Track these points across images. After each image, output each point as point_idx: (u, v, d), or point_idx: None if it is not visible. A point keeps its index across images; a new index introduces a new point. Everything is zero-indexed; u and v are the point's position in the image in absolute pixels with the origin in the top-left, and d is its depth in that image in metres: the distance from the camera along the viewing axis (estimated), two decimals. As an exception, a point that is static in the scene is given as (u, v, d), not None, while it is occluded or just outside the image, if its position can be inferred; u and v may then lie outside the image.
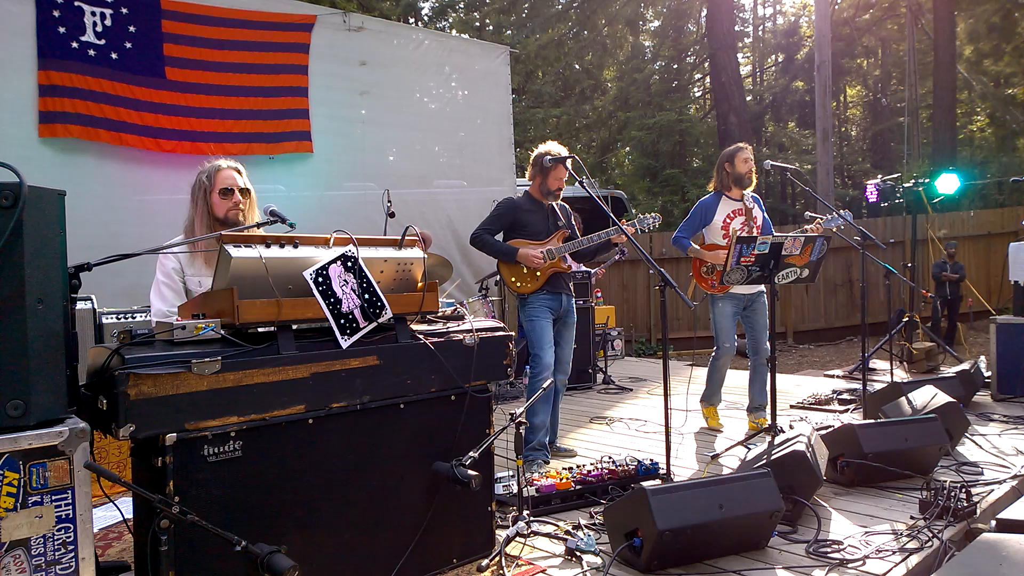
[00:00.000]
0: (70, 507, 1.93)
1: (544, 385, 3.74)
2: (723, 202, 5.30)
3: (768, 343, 5.13)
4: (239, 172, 3.27)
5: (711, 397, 5.59)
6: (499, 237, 4.62)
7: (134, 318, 4.28)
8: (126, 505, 2.48)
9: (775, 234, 4.63)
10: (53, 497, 1.90)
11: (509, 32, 21.25)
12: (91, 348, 2.31)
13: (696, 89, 26.46)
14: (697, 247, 5.30)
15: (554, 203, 4.72)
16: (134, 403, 2.09)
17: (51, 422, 1.94)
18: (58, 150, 5.35)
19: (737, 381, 7.39)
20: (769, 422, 5.16)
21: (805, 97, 24.99)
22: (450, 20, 23.83)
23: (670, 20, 23.62)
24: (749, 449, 4.56)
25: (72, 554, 1.92)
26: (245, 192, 3.25)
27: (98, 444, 2.24)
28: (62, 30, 5.32)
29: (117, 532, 3.35)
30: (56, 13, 5.29)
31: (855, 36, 24.14)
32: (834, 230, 5.20)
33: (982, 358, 6.55)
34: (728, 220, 5.28)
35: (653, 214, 4.80)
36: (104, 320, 4.19)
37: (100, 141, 5.49)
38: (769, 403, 4.60)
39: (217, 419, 2.26)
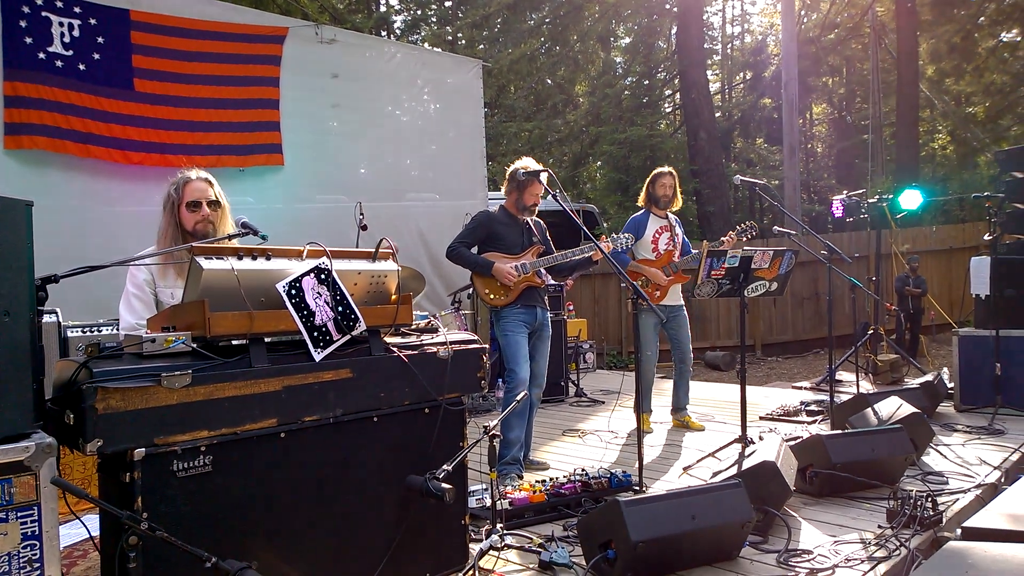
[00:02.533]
0: (36, 524, 1.89)
1: (518, 398, 3.73)
2: (651, 219, 5.77)
3: (692, 352, 5.91)
4: (210, 184, 3.22)
5: (642, 404, 5.75)
6: (474, 250, 4.63)
7: (99, 331, 4.21)
8: (92, 522, 2.43)
9: (746, 248, 4.70)
10: (19, 514, 1.86)
11: (482, 46, 21.32)
12: (58, 362, 2.27)
13: (666, 105, 26.75)
14: (636, 262, 5.69)
15: (529, 219, 4.74)
16: (102, 417, 2.05)
17: (17, 437, 1.91)
18: (24, 161, 5.25)
19: (705, 393, 7.46)
20: (694, 420, 5.92)
21: (772, 114, 25.38)
22: (423, 34, 23.86)
23: (641, 37, 23.87)
24: (720, 460, 4.61)
25: (38, 572, 1.88)
26: (214, 204, 3.19)
27: (62, 460, 2.19)
28: (29, 40, 5.24)
29: (82, 550, 3.27)
30: (23, 23, 5.21)
31: (821, 55, 24.62)
32: (744, 240, 5.57)
33: (945, 370, 6.68)
34: (657, 235, 5.74)
35: (627, 234, 5.05)
36: (69, 333, 4.12)
37: (67, 153, 5.40)
38: (740, 415, 4.66)
39: (187, 433, 2.23)
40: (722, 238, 5.44)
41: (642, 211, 5.85)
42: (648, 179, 5.88)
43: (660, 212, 5.79)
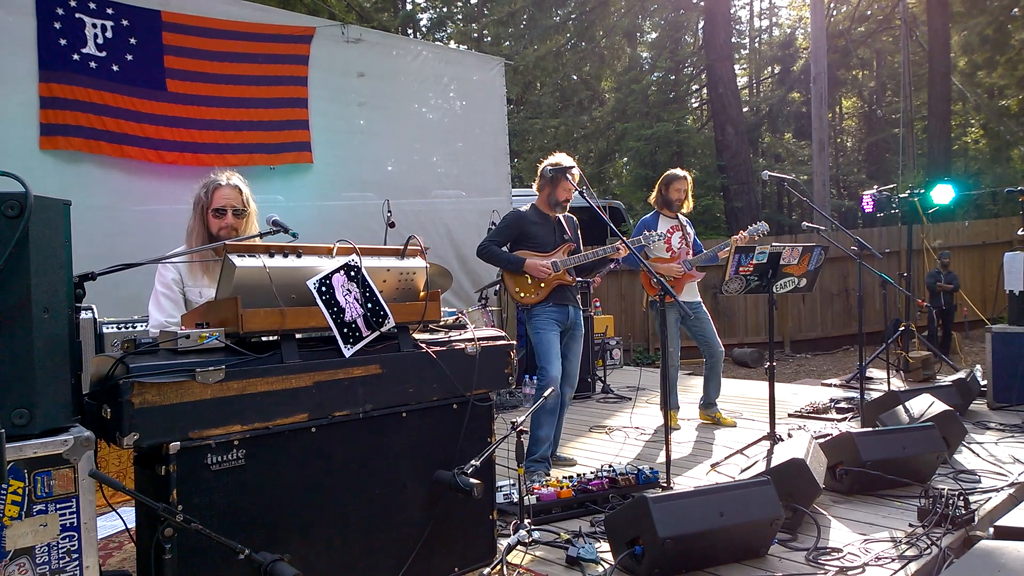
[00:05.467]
0: (75, 515, 1.93)
1: (546, 394, 3.74)
2: (662, 220, 5.75)
3: (721, 345, 5.79)
4: (239, 191, 3.24)
5: (669, 400, 5.73)
6: (505, 249, 4.64)
7: (134, 328, 4.29)
8: (127, 514, 2.48)
9: (774, 244, 4.67)
10: (58, 505, 1.91)
11: (508, 43, 21.33)
12: (95, 357, 2.32)
13: (693, 100, 26.56)
14: (650, 261, 5.58)
15: (560, 216, 4.73)
16: (138, 412, 2.09)
17: (56, 431, 1.95)
18: (60, 161, 5.37)
19: (733, 390, 7.42)
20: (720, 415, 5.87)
21: (801, 108, 25.14)
22: (448, 31, 23.95)
23: (667, 32, 23.73)
24: (748, 457, 4.58)
25: (76, 562, 1.93)
26: (239, 213, 3.22)
27: (99, 453, 2.24)
28: (63, 42, 5.35)
29: (117, 542, 3.34)
30: (57, 25, 5.32)
31: (850, 48, 24.29)
32: (756, 238, 5.49)
33: (978, 367, 6.57)
34: (669, 235, 5.70)
35: (657, 232, 5.11)
36: (105, 330, 4.20)
37: (102, 153, 5.52)
38: (769, 412, 4.63)
39: (221, 428, 2.27)
40: (733, 236, 5.43)
41: (651, 213, 5.83)
42: (661, 181, 5.85)
43: (670, 213, 5.77)
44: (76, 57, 5.41)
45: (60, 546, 1.91)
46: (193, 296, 3.19)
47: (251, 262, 2.41)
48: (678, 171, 5.87)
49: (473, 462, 2.79)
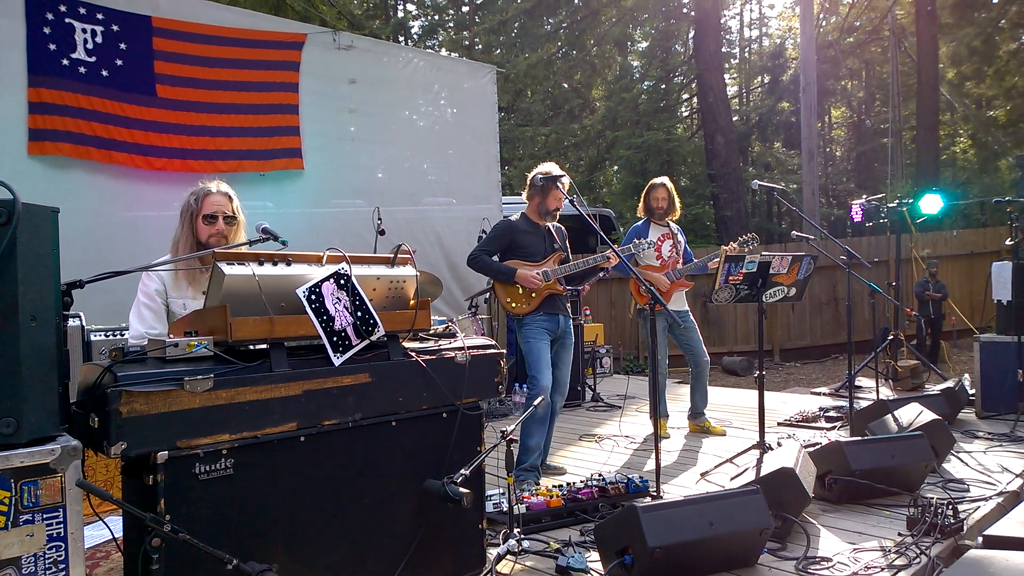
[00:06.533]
0: (61, 525, 1.91)
1: (536, 403, 3.73)
2: (652, 227, 5.79)
3: (707, 355, 5.84)
4: (229, 199, 3.23)
5: (658, 408, 5.75)
6: (496, 258, 4.64)
7: (122, 335, 4.26)
8: (115, 523, 2.46)
9: (764, 253, 4.68)
10: (44, 515, 1.89)
11: (499, 51, 21.39)
12: (83, 365, 2.30)
13: (684, 109, 26.68)
14: (639, 268, 5.67)
15: (550, 225, 4.74)
16: (126, 421, 2.08)
17: (43, 440, 1.93)
18: (48, 166, 5.33)
19: (722, 399, 7.43)
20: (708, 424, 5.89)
21: (791, 118, 25.27)
22: (440, 39, 24.01)
23: (658, 41, 23.86)
24: (738, 466, 4.58)
25: (63, 573, 1.91)
26: (230, 219, 3.21)
27: (86, 462, 2.21)
28: (53, 47, 5.32)
29: (105, 551, 3.30)
30: (47, 30, 5.30)
31: (840, 58, 24.48)
32: (747, 249, 5.50)
33: (966, 376, 6.61)
34: (659, 243, 5.74)
35: (648, 240, 5.11)
36: (92, 337, 4.17)
37: (90, 159, 5.48)
38: (758, 421, 4.63)
39: (209, 437, 2.25)
40: (723, 247, 5.45)
41: (642, 221, 5.87)
42: (644, 190, 5.89)
43: (660, 221, 5.81)
44: (66, 62, 5.38)
45: (47, 556, 1.89)
46: (177, 308, 3.15)
47: (240, 270, 2.40)
48: (657, 180, 5.92)
49: (463, 471, 2.78)
